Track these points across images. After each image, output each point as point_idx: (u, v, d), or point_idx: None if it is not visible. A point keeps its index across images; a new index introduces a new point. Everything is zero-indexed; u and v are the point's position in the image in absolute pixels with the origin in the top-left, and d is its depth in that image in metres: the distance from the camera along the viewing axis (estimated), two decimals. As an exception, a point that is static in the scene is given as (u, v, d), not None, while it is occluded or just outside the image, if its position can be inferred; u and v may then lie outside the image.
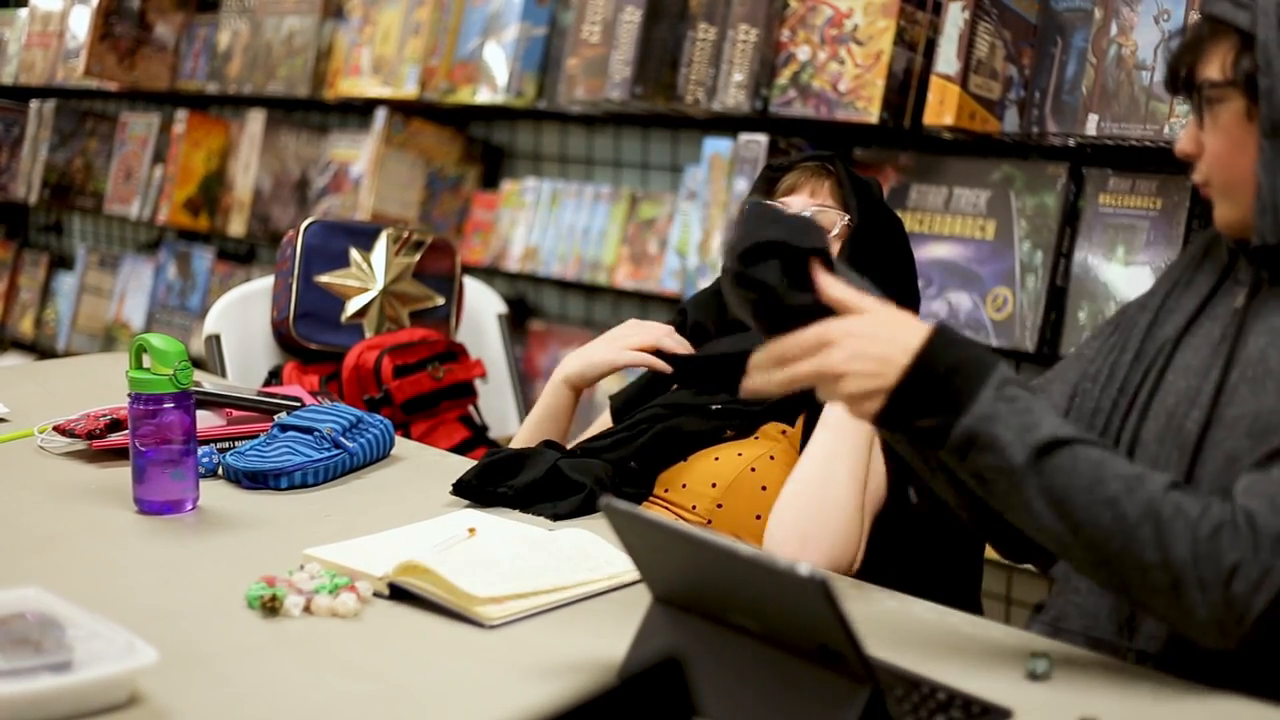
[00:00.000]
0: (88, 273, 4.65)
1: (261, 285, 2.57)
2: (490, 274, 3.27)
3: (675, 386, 1.90)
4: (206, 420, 1.90)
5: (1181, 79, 1.35)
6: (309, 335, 2.46)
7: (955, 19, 2.30)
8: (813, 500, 1.61)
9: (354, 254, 2.51)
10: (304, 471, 1.78)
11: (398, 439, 1.97)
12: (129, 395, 1.65)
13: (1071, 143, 2.29)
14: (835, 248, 1.79)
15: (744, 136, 2.72)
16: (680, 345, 1.91)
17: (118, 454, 1.85)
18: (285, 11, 3.69)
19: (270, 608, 1.37)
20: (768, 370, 1.30)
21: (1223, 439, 1.31)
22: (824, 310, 1.28)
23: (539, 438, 1.95)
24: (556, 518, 1.66)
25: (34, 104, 4.59)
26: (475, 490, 1.72)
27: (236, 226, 3.84)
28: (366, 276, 2.51)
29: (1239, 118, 1.31)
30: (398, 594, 1.41)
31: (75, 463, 1.88)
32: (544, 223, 3.21)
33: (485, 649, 1.32)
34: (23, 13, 4.58)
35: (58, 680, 1.15)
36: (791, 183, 1.87)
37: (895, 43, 2.40)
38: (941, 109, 2.30)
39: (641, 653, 1.25)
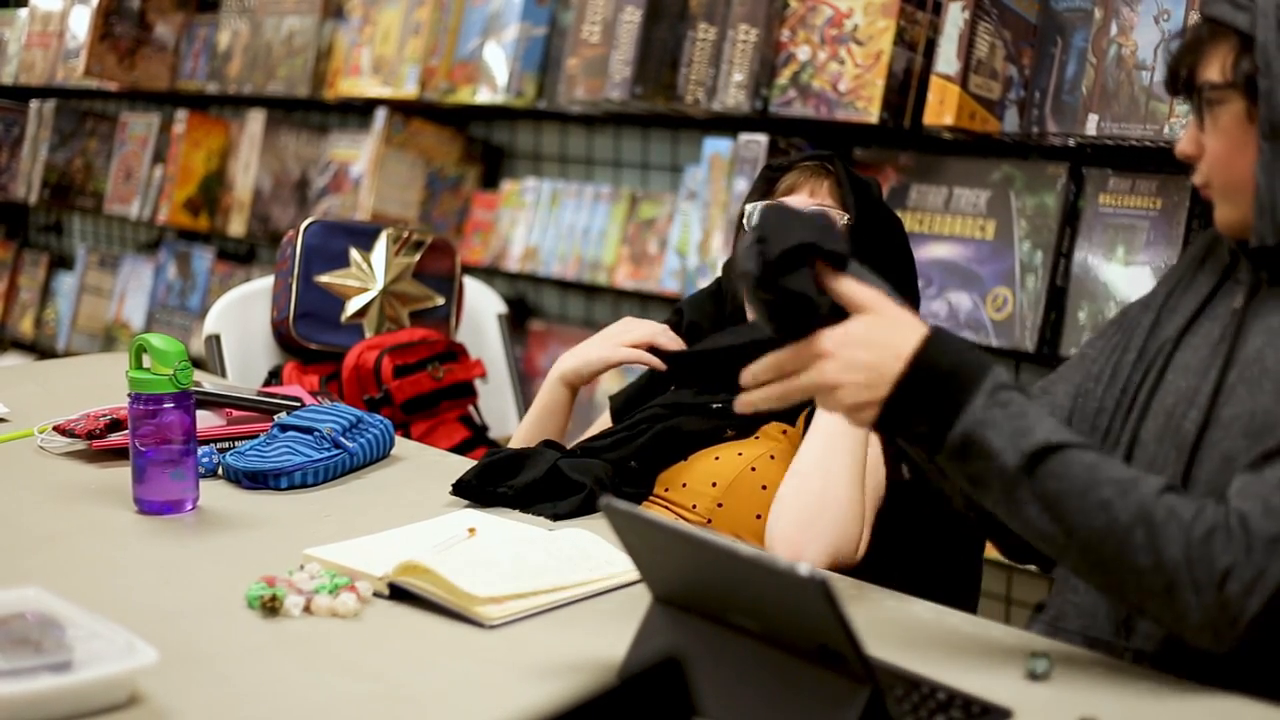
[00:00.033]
0: (88, 273, 4.65)
1: (261, 285, 2.57)
2: (490, 274, 3.27)
3: (674, 387, 1.90)
4: (206, 420, 1.90)
5: (1182, 80, 1.36)
6: (309, 335, 2.46)
7: (955, 19, 2.30)
8: (813, 488, 1.62)
9: (354, 254, 2.51)
10: (304, 471, 1.78)
11: (398, 439, 1.97)
12: (129, 395, 1.65)
13: (1071, 143, 2.29)
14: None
15: (744, 136, 2.72)
16: (674, 343, 1.91)
17: (118, 454, 1.85)
18: (285, 11, 3.69)
19: (270, 608, 1.37)
20: (763, 384, 1.30)
21: (1219, 439, 1.31)
22: (842, 313, 1.29)
23: (536, 437, 1.95)
24: (556, 518, 1.66)
25: (34, 104, 4.59)
26: (475, 490, 1.72)
27: (236, 226, 3.84)
28: (366, 276, 2.51)
29: (1239, 119, 1.31)
30: (398, 594, 1.41)
31: (75, 463, 1.88)
32: (544, 223, 3.21)
33: (485, 649, 1.32)
34: (23, 13, 4.58)
35: (58, 680, 1.15)
36: (791, 183, 1.87)
37: (895, 43, 2.40)
38: (941, 109, 2.30)
39: (641, 653, 1.25)
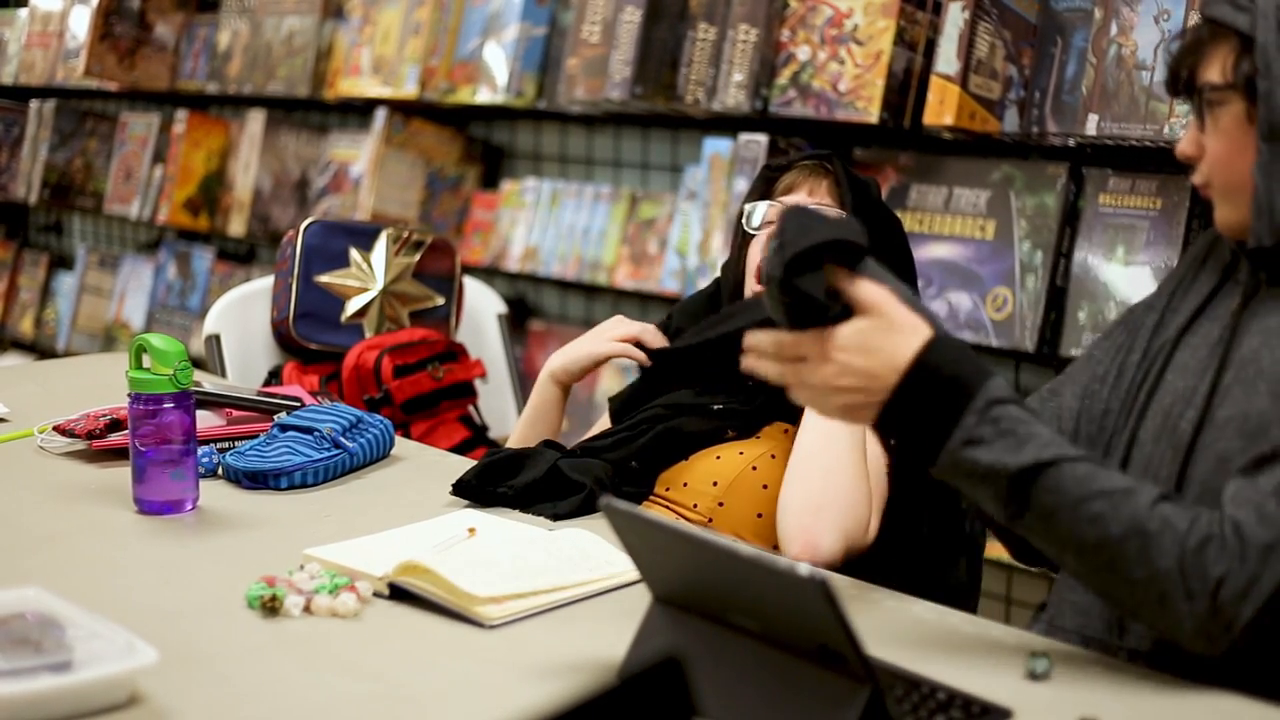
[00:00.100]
0: (88, 273, 4.65)
1: (261, 285, 2.57)
2: (490, 274, 3.27)
3: (665, 385, 1.91)
4: (206, 420, 1.90)
5: (1182, 81, 1.36)
6: (309, 335, 2.46)
7: (955, 19, 2.30)
8: (817, 475, 1.62)
9: (354, 254, 2.51)
10: (304, 471, 1.78)
11: (398, 439, 1.97)
12: (129, 395, 1.65)
13: (1071, 143, 2.29)
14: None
15: (744, 136, 2.72)
16: (660, 342, 1.93)
17: (118, 454, 1.85)
18: (285, 11, 3.69)
19: (270, 608, 1.37)
20: (764, 357, 1.31)
21: (1214, 440, 1.31)
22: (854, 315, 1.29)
23: (530, 436, 1.96)
24: (556, 518, 1.66)
25: (34, 104, 4.59)
26: (475, 490, 1.72)
27: (236, 226, 3.84)
28: (366, 276, 2.51)
29: (1239, 120, 1.31)
30: (398, 594, 1.41)
31: (75, 463, 1.88)
32: (544, 223, 3.21)
33: (485, 649, 1.32)
34: (23, 13, 4.58)
35: (58, 680, 1.15)
36: (790, 182, 1.87)
37: (895, 43, 2.40)
38: (941, 109, 2.30)
39: (641, 653, 1.25)
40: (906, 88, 2.42)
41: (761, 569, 1.13)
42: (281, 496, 1.76)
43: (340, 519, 1.68)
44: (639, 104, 2.74)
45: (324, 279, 2.48)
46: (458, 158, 3.47)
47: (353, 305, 2.49)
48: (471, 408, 2.53)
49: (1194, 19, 2.09)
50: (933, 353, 1.27)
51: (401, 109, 3.42)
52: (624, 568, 1.45)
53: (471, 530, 1.53)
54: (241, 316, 2.52)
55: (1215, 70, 1.32)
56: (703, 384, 1.84)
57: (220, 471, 1.82)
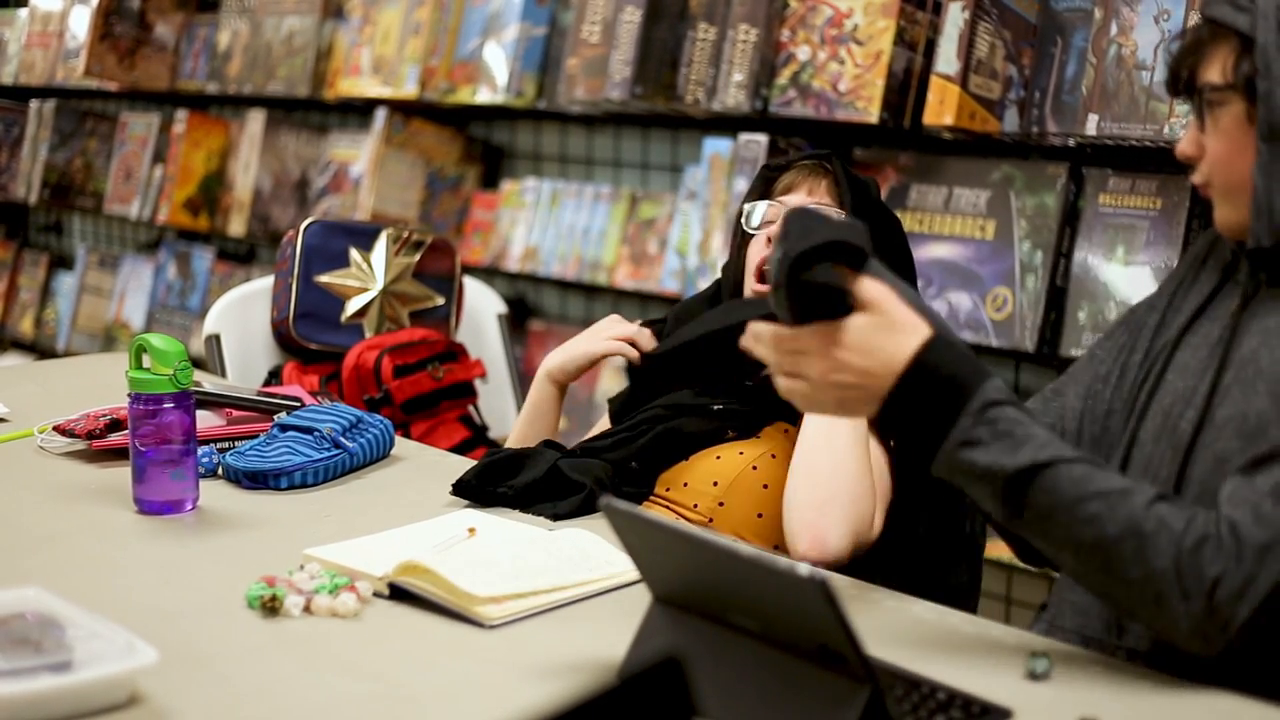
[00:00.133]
0: (88, 273, 4.65)
1: (261, 285, 2.57)
2: (490, 274, 3.27)
3: (670, 389, 1.91)
4: (206, 420, 1.90)
5: (1183, 81, 1.36)
6: (309, 335, 2.46)
7: (955, 19, 2.30)
8: (822, 470, 1.62)
9: (354, 254, 2.51)
10: (304, 471, 1.78)
11: (398, 439, 1.97)
12: (129, 395, 1.65)
13: (1071, 143, 2.29)
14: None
15: (744, 136, 2.72)
16: (651, 344, 1.94)
17: (118, 454, 1.85)
18: (285, 11, 3.69)
19: (270, 608, 1.37)
20: (763, 344, 1.31)
21: (1213, 440, 1.32)
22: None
23: (527, 434, 1.97)
24: (556, 518, 1.66)
25: (34, 104, 4.59)
26: (475, 490, 1.72)
27: (236, 226, 3.84)
28: (366, 276, 2.51)
29: (1239, 121, 1.31)
30: (398, 594, 1.41)
31: (75, 463, 1.88)
32: (544, 223, 3.21)
33: (485, 649, 1.32)
34: (23, 13, 4.58)
35: (58, 680, 1.15)
36: (789, 182, 1.87)
37: (895, 43, 2.40)
38: (941, 109, 2.30)
39: (641, 653, 1.25)
40: (906, 88, 2.42)
41: (761, 569, 1.13)
42: (281, 496, 1.76)
43: (340, 519, 1.68)
44: (639, 104, 2.74)
45: (324, 279, 2.48)
46: (458, 158, 3.47)
47: (353, 305, 2.49)
48: (471, 408, 2.53)
49: (1194, 19, 2.09)
50: (930, 353, 1.27)
51: (401, 109, 3.42)
52: (624, 568, 1.45)
53: (471, 530, 1.53)
54: (241, 316, 2.52)
55: (1215, 70, 1.32)
56: (701, 384, 1.84)
57: (220, 471, 1.82)
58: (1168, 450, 1.36)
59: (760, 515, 1.72)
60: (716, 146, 2.80)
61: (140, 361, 1.66)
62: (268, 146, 3.77)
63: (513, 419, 2.68)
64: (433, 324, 2.55)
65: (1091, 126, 2.21)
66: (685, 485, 1.76)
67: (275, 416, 1.91)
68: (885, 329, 1.28)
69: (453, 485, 1.73)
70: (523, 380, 2.79)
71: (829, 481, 1.62)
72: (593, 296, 3.27)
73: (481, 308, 2.75)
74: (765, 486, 1.72)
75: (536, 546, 1.50)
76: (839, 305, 1.28)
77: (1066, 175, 2.33)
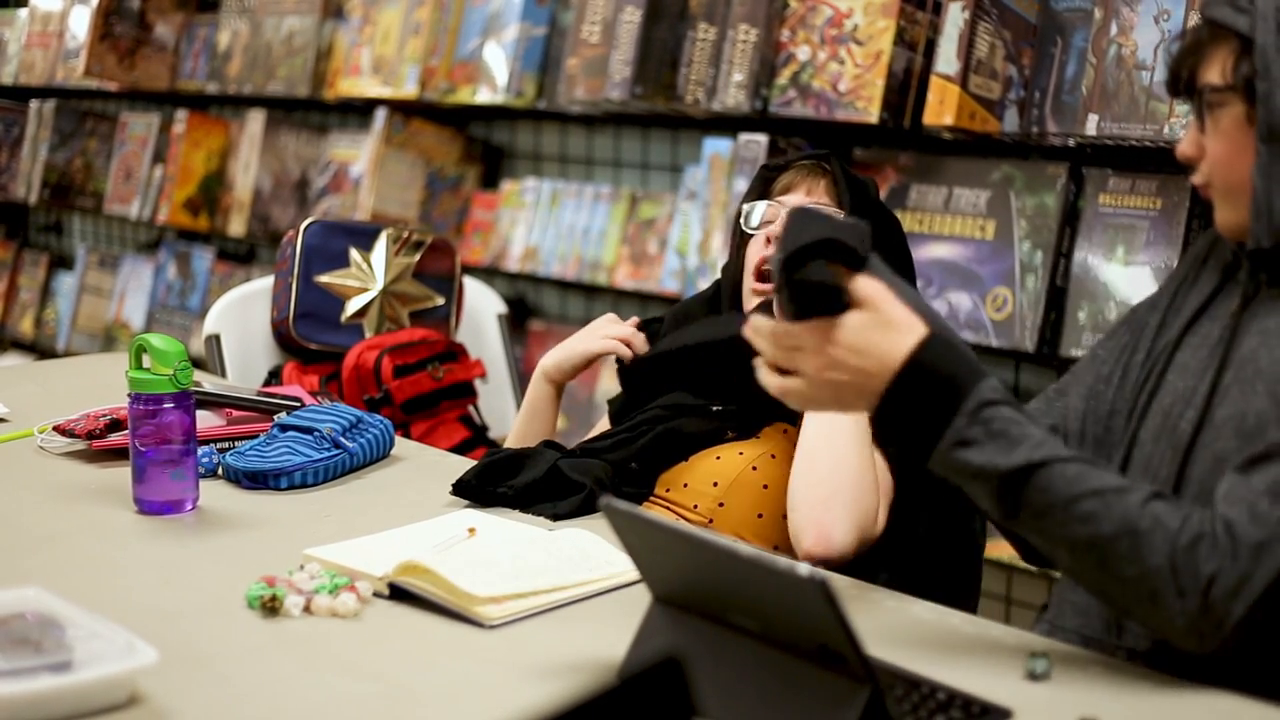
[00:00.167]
0: (88, 273, 4.65)
1: (261, 285, 2.57)
2: (490, 274, 3.27)
3: (661, 391, 1.91)
4: (206, 420, 1.90)
5: (1183, 82, 1.36)
6: (309, 335, 2.46)
7: (955, 19, 2.30)
8: (825, 466, 1.63)
9: (354, 254, 2.51)
10: (304, 471, 1.78)
11: (398, 439, 1.97)
12: (129, 395, 1.65)
13: (1071, 143, 2.29)
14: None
15: (744, 136, 2.72)
16: (644, 346, 1.95)
17: (118, 454, 1.85)
18: (285, 11, 3.69)
19: (270, 608, 1.37)
20: (761, 336, 1.32)
21: (1212, 440, 1.32)
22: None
23: (525, 433, 1.97)
24: (556, 518, 1.66)
25: (34, 104, 4.59)
26: (475, 490, 1.72)
27: (236, 226, 3.84)
28: (366, 276, 2.51)
29: (1239, 122, 1.31)
30: (398, 594, 1.41)
31: (75, 463, 1.88)
32: (544, 223, 3.21)
33: (485, 649, 1.32)
34: (23, 13, 4.58)
35: (58, 680, 1.15)
36: (787, 182, 1.87)
37: (895, 43, 2.40)
38: (941, 109, 2.30)
39: (641, 653, 1.25)
40: (906, 88, 2.43)
41: (761, 569, 1.13)
42: (281, 496, 1.76)
43: (340, 519, 1.68)
44: (639, 104, 2.74)
45: (324, 279, 2.48)
46: (458, 158, 3.47)
47: (353, 305, 2.49)
48: (471, 408, 2.53)
49: (1194, 19, 2.09)
50: (926, 352, 1.27)
51: (401, 109, 3.42)
52: (624, 568, 1.45)
53: (471, 530, 1.53)
54: (241, 316, 2.52)
55: (1215, 72, 1.32)
56: (694, 388, 1.85)
57: (220, 471, 1.82)
58: (1167, 450, 1.36)
59: (760, 516, 1.72)
60: (716, 146, 2.80)
61: (140, 361, 1.66)
62: (268, 146, 3.77)
63: (513, 419, 2.68)
64: (433, 324, 2.55)
65: (1091, 126, 2.21)
66: (685, 486, 1.76)
67: (275, 416, 1.91)
68: (881, 327, 1.28)
69: (453, 485, 1.73)
70: (522, 380, 2.78)
71: (833, 477, 1.62)
72: (593, 296, 3.27)
73: (481, 308, 2.75)
74: (765, 487, 1.72)
75: (536, 546, 1.50)
76: (835, 303, 1.29)
77: (1066, 175, 2.33)
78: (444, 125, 3.45)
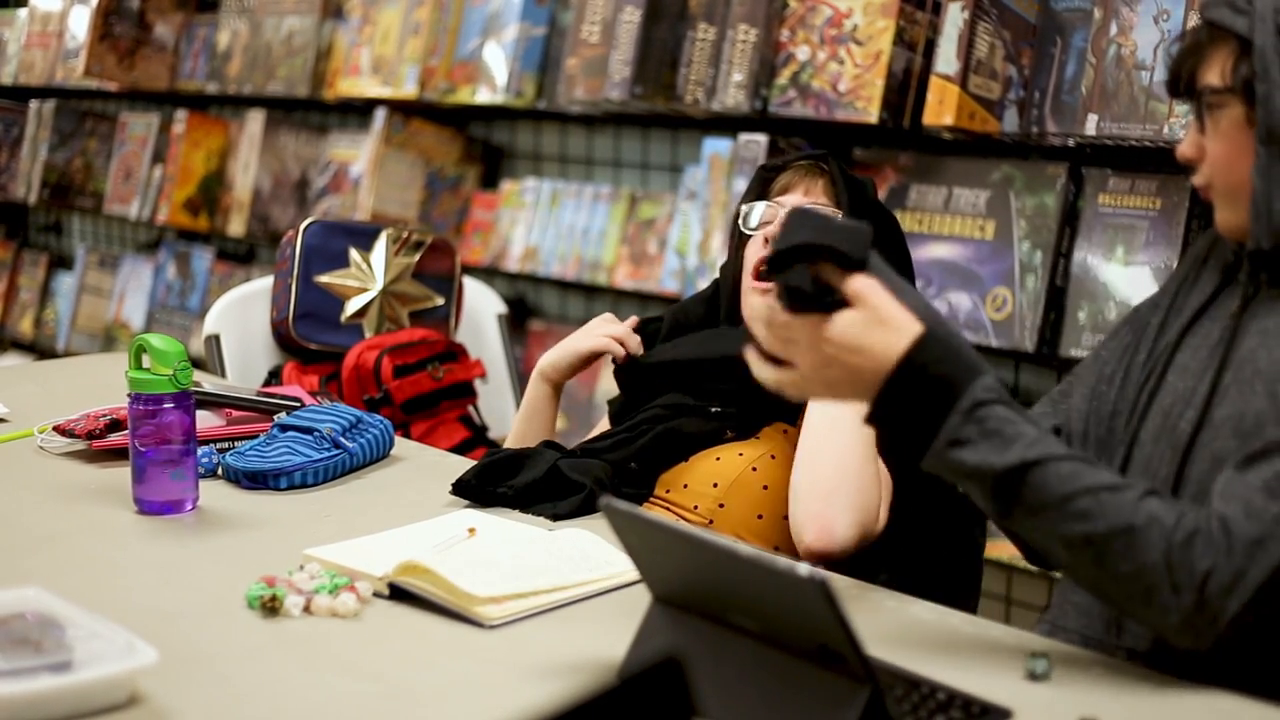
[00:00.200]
0: (87, 273, 4.65)
1: (261, 285, 2.57)
2: (490, 274, 3.27)
3: (656, 394, 1.91)
4: (206, 420, 1.90)
5: (1183, 83, 1.36)
6: (309, 335, 2.46)
7: (955, 19, 2.30)
8: (827, 461, 1.63)
9: (354, 254, 2.51)
10: (304, 471, 1.78)
11: (398, 439, 1.97)
12: (129, 395, 1.65)
13: (1071, 143, 2.29)
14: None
15: (744, 136, 2.72)
16: (639, 349, 1.95)
17: (118, 454, 1.85)
18: (285, 11, 3.69)
19: (270, 608, 1.37)
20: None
21: (1211, 440, 1.32)
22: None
23: (524, 433, 1.97)
24: (556, 518, 1.66)
25: (34, 104, 4.59)
26: (475, 490, 1.72)
27: (236, 226, 3.84)
28: (366, 276, 2.51)
29: (1239, 123, 1.31)
30: (398, 594, 1.41)
31: (75, 463, 1.88)
32: (544, 223, 3.21)
33: (485, 649, 1.32)
34: (23, 13, 4.58)
35: (58, 680, 1.15)
36: (785, 182, 1.87)
37: (895, 43, 2.40)
38: (941, 109, 2.30)
39: (641, 653, 1.25)
40: (906, 88, 2.43)
41: (761, 569, 1.13)
42: (281, 496, 1.76)
43: (340, 519, 1.68)
44: (639, 104, 2.75)
45: (324, 279, 2.48)
46: (457, 158, 3.47)
47: (352, 305, 2.49)
48: (471, 408, 2.53)
49: (1194, 20, 2.09)
50: (920, 351, 1.27)
51: (401, 109, 3.42)
52: (624, 568, 1.45)
53: (471, 530, 1.53)
54: (241, 316, 2.52)
55: (1214, 73, 1.32)
56: (697, 392, 1.84)
57: (220, 471, 1.82)
58: (1167, 450, 1.36)
59: (760, 516, 1.72)
60: (716, 146, 2.80)
61: (140, 361, 1.66)
62: (267, 146, 3.77)
63: (512, 419, 2.68)
64: (432, 324, 2.55)
65: (1091, 126, 2.21)
66: (685, 487, 1.76)
67: (275, 416, 1.91)
68: (876, 326, 1.28)
69: (453, 485, 1.73)
70: (522, 380, 2.78)
71: (834, 471, 1.62)
72: (592, 296, 3.27)
73: (481, 308, 2.75)
74: (765, 488, 1.72)
75: (536, 546, 1.50)
76: (826, 302, 1.29)
77: (1066, 175, 2.34)
78: (444, 125, 3.45)
